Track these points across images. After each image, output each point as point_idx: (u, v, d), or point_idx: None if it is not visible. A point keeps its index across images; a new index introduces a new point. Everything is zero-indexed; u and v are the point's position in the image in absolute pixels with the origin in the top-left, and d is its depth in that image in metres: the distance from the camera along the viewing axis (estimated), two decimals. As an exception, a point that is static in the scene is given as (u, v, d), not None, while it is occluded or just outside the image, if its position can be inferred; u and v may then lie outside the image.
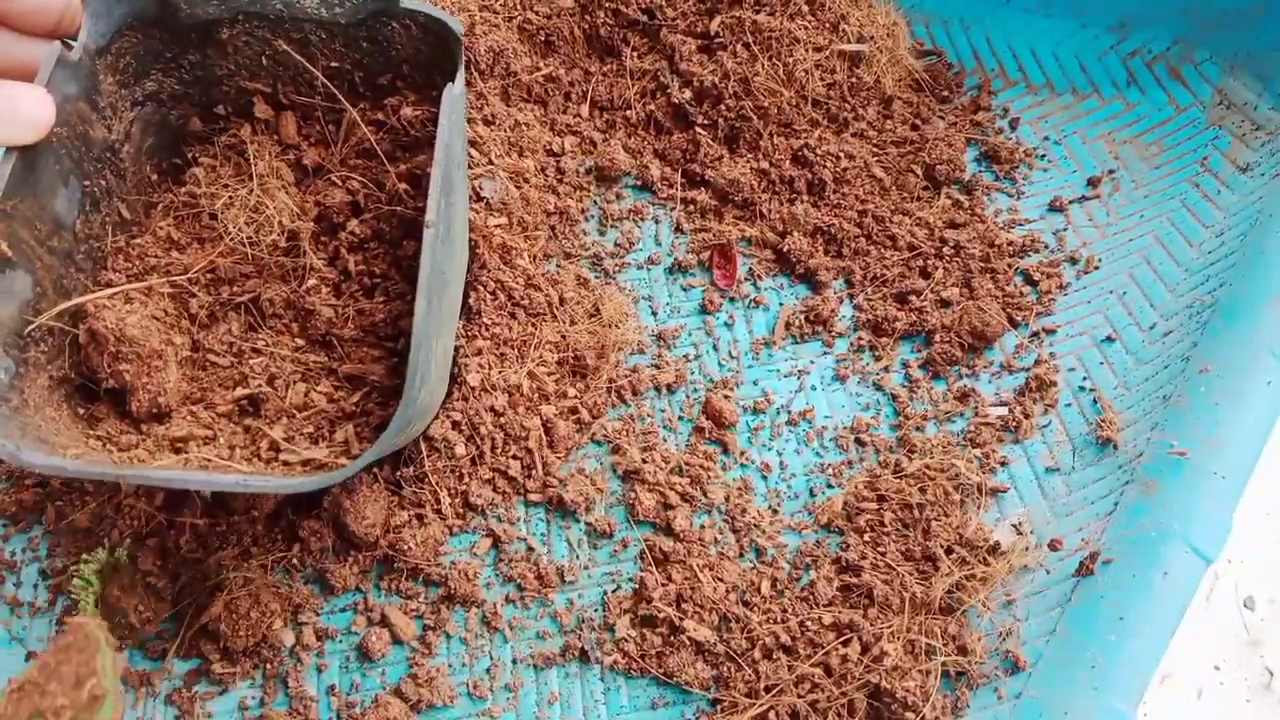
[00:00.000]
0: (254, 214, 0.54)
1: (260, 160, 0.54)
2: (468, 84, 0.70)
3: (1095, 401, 0.63)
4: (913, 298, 0.67)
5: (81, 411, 0.49)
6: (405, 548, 0.55)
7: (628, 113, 0.74)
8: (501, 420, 0.57)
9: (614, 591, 0.56)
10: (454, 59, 0.53)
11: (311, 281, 0.55)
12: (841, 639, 0.53)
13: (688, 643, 0.53)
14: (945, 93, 0.77)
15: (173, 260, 0.53)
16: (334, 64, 0.55)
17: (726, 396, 0.62)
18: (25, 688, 0.40)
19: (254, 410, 0.53)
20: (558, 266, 0.66)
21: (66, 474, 0.42)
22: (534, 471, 0.58)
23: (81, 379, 0.49)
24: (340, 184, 0.56)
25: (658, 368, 0.64)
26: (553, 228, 0.68)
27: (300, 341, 0.55)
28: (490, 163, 0.64)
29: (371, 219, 0.57)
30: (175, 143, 0.56)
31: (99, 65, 0.48)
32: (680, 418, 0.63)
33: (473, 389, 0.57)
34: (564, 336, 0.62)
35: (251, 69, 0.55)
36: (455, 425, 0.56)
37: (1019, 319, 0.66)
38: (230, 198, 0.54)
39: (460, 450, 0.56)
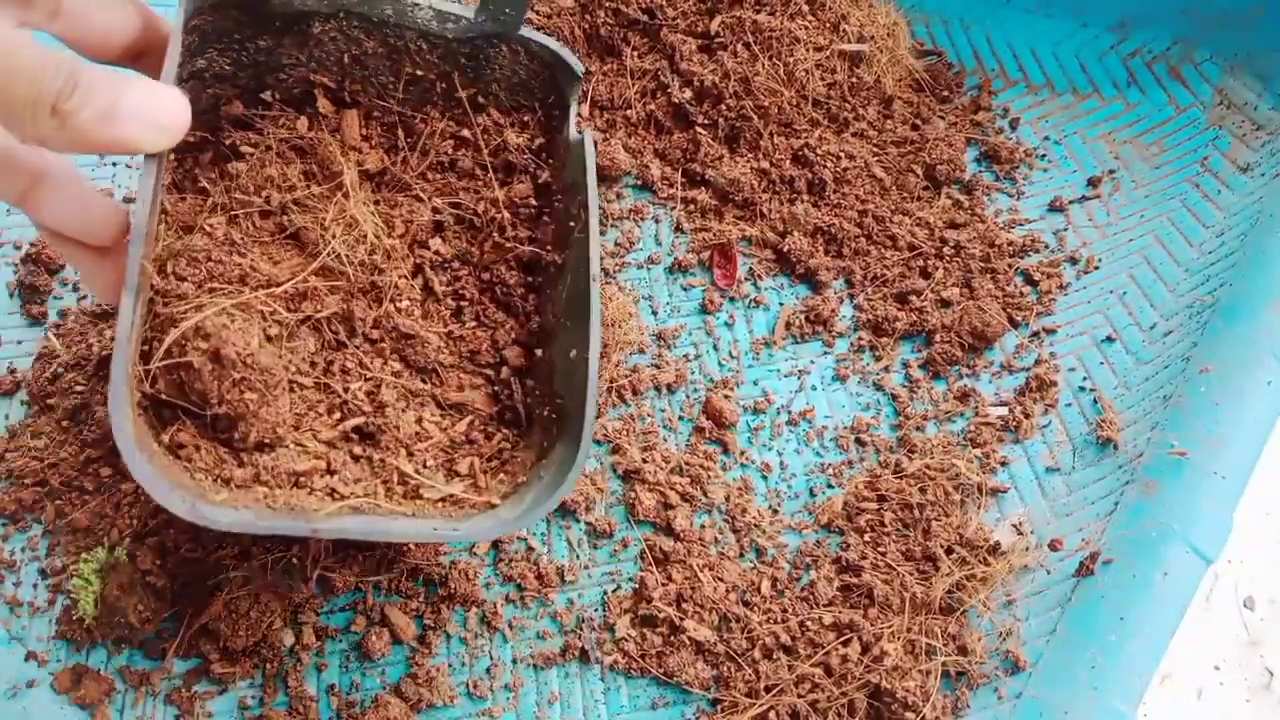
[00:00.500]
0: (349, 228, 0.50)
1: (347, 169, 0.51)
2: None
3: (1095, 401, 0.63)
4: (913, 298, 0.67)
5: (164, 440, 0.43)
6: (405, 547, 0.55)
7: (628, 112, 0.74)
8: None
9: (614, 591, 0.56)
10: (558, 89, 0.52)
11: (405, 302, 0.51)
12: (841, 639, 0.53)
13: (688, 643, 0.53)
14: (945, 93, 0.78)
15: (239, 266, 0.47)
16: (419, 72, 0.52)
17: (727, 396, 0.62)
18: None
19: (360, 439, 0.49)
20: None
21: (254, 530, 0.40)
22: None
23: (163, 405, 0.44)
24: (425, 200, 0.54)
25: (658, 367, 0.64)
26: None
27: (396, 365, 0.51)
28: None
29: (454, 239, 0.54)
30: (199, 125, 0.50)
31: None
32: (680, 417, 0.63)
33: None
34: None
35: (324, 63, 0.51)
36: None
37: (1019, 319, 0.66)
38: (334, 214, 0.49)
39: None
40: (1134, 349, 0.65)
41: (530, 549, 0.57)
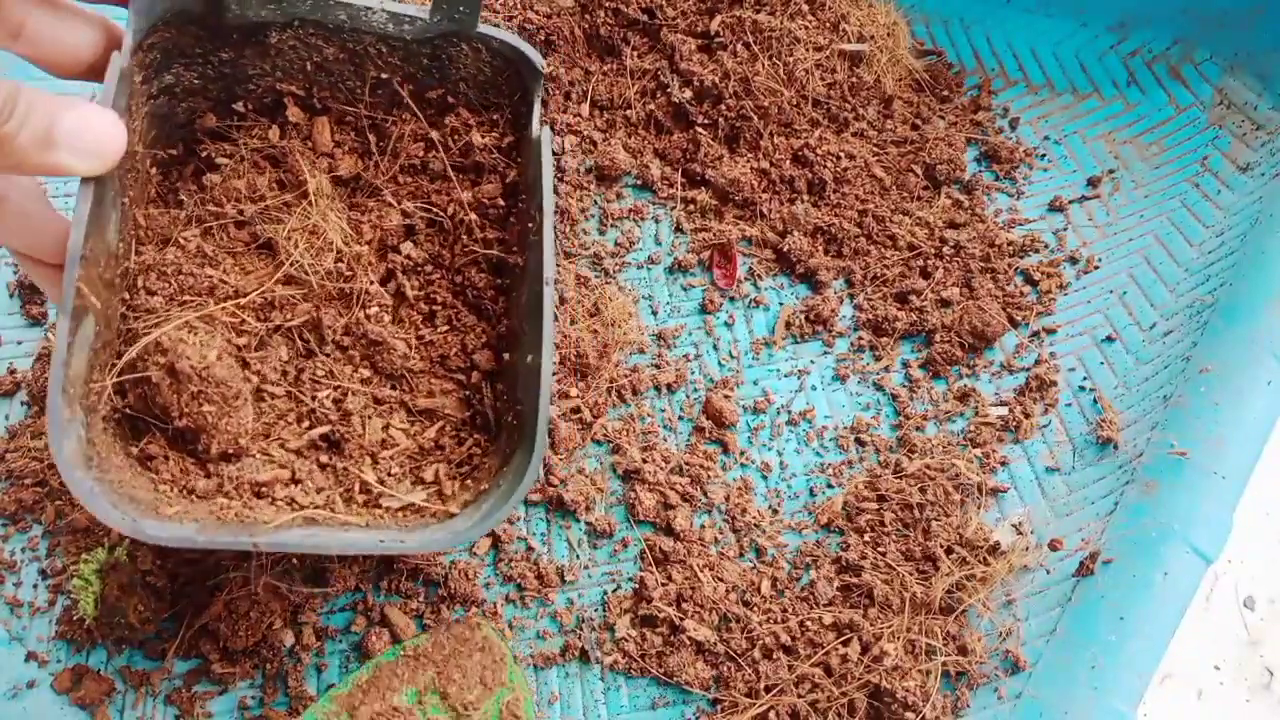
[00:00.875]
0: (313, 236, 0.50)
1: (312, 177, 0.51)
2: None
3: (1095, 401, 0.63)
4: (913, 297, 0.67)
5: (134, 451, 0.45)
6: (405, 547, 0.55)
7: (628, 112, 0.74)
8: None
9: (614, 591, 0.56)
10: (523, 83, 0.51)
11: (374, 308, 0.51)
12: (841, 639, 0.53)
13: (688, 642, 0.53)
14: (945, 92, 0.77)
15: (209, 278, 0.48)
16: (383, 75, 0.52)
17: (726, 396, 0.62)
18: (420, 658, 0.41)
19: (328, 447, 0.49)
20: (558, 266, 0.66)
21: (196, 545, 0.39)
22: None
23: (135, 416, 0.45)
24: (395, 204, 0.53)
25: (658, 367, 0.64)
26: (553, 227, 0.67)
27: (366, 373, 0.51)
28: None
29: (426, 242, 0.54)
30: (171, 135, 0.52)
31: (132, 64, 0.44)
32: (680, 417, 0.63)
33: None
34: (565, 336, 0.62)
35: (289, 71, 0.51)
36: None
37: (1019, 319, 0.66)
38: (296, 224, 0.49)
39: None
40: (1134, 349, 0.65)
41: (530, 549, 0.57)
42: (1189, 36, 0.78)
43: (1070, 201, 0.72)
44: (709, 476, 0.59)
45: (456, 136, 0.54)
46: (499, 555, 0.57)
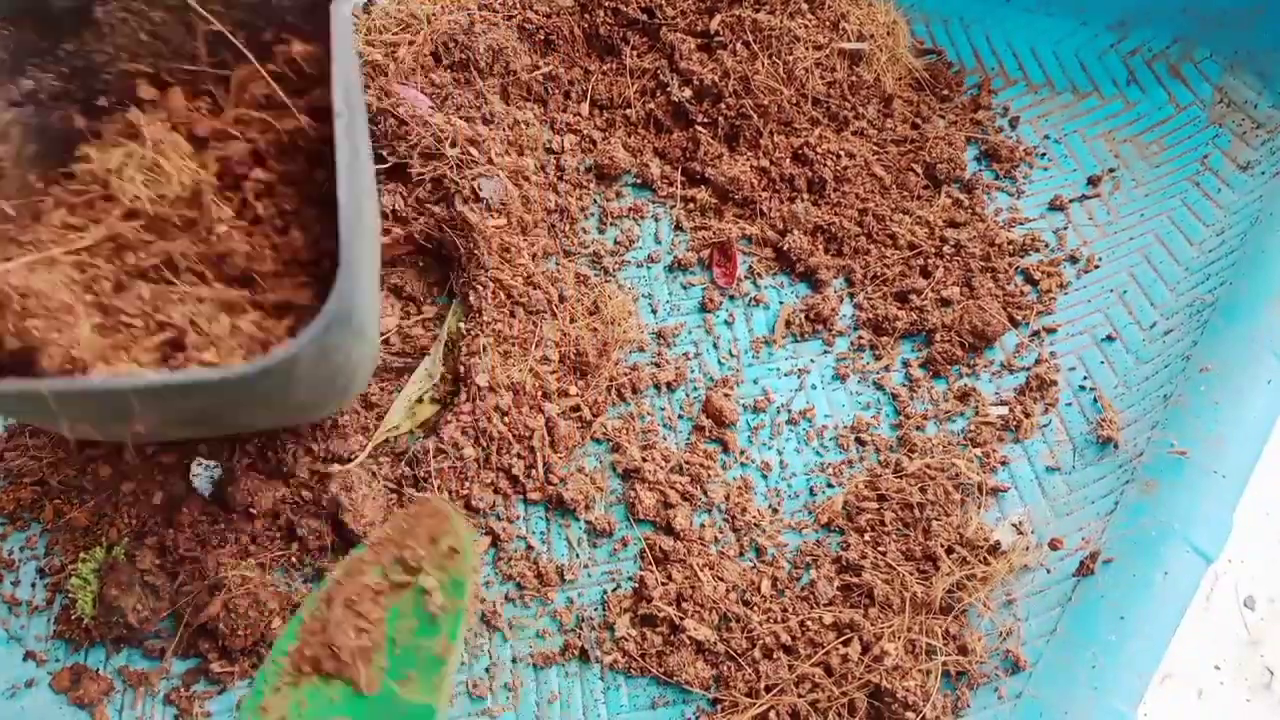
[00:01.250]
0: (152, 173, 0.52)
1: (151, 125, 0.53)
2: (467, 82, 0.70)
3: (1095, 401, 0.63)
4: (913, 297, 0.67)
5: None
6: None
7: (627, 111, 0.74)
8: (507, 420, 0.58)
9: (614, 590, 0.56)
10: None
11: (222, 229, 0.52)
12: (842, 638, 0.53)
13: (688, 642, 0.53)
14: (945, 91, 0.77)
15: (72, 241, 0.50)
16: (214, 29, 0.54)
17: (726, 395, 0.62)
18: (383, 542, 0.43)
19: (174, 352, 0.50)
20: (557, 264, 0.66)
21: None
22: (534, 471, 0.58)
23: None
24: (239, 135, 0.55)
25: (658, 366, 0.64)
26: (552, 226, 0.68)
27: (219, 286, 0.52)
28: (490, 162, 0.63)
29: (276, 163, 0.55)
30: (60, 150, 0.54)
31: None
32: (680, 416, 0.62)
33: (481, 389, 0.57)
34: (565, 334, 0.62)
35: (131, 48, 0.54)
36: (464, 430, 0.56)
37: (1019, 318, 0.66)
38: (125, 158, 0.51)
39: (469, 452, 0.56)
40: (1134, 348, 0.65)
41: (530, 548, 0.57)
42: (1189, 35, 0.78)
43: (1070, 200, 0.72)
44: (709, 475, 0.59)
45: (291, 63, 0.56)
46: (498, 554, 0.57)
